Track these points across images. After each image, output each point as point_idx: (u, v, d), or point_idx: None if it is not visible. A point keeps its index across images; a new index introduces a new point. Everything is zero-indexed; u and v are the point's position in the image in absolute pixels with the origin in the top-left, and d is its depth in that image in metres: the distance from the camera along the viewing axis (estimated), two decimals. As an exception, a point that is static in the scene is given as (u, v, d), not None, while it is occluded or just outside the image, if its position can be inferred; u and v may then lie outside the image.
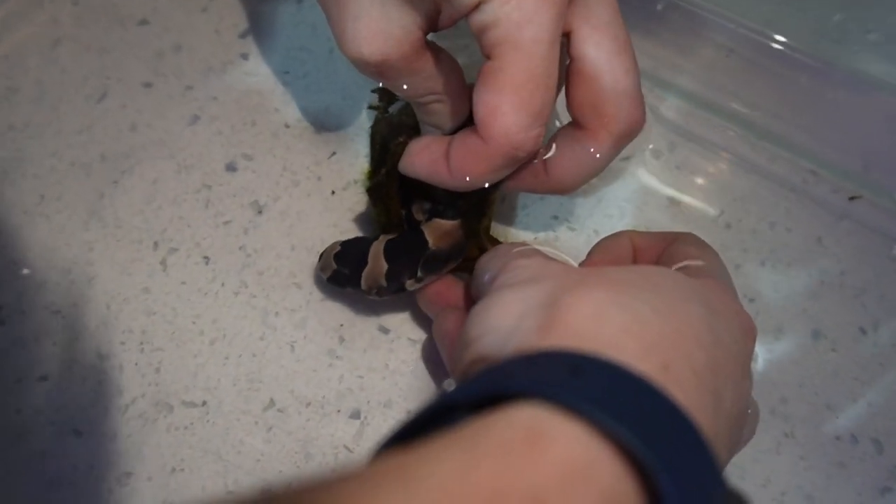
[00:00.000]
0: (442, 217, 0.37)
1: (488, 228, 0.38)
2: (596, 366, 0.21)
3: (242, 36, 0.47)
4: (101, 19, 0.47)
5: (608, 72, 0.32)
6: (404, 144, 0.36)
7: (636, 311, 0.24)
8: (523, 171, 0.35)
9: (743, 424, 0.28)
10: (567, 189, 0.35)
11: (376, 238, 0.37)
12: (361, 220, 0.42)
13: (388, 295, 0.36)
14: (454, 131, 0.35)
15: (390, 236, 0.37)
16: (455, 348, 0.29)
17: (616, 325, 0.24)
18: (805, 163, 0.43)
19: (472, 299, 0.35)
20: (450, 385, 0.29)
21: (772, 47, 0.43)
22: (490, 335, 0.26)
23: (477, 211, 0.37)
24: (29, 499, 0.36)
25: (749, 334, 0.29)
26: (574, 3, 0.31)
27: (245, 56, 0.46)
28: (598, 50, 0.31)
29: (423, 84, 0.34)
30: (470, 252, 0.37)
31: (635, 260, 0.34)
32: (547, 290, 0.26)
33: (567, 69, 0.33)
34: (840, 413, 0.38)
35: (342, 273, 0.36)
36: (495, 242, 0.38)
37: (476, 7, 0.29)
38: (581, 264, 0.35)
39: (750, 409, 0.29)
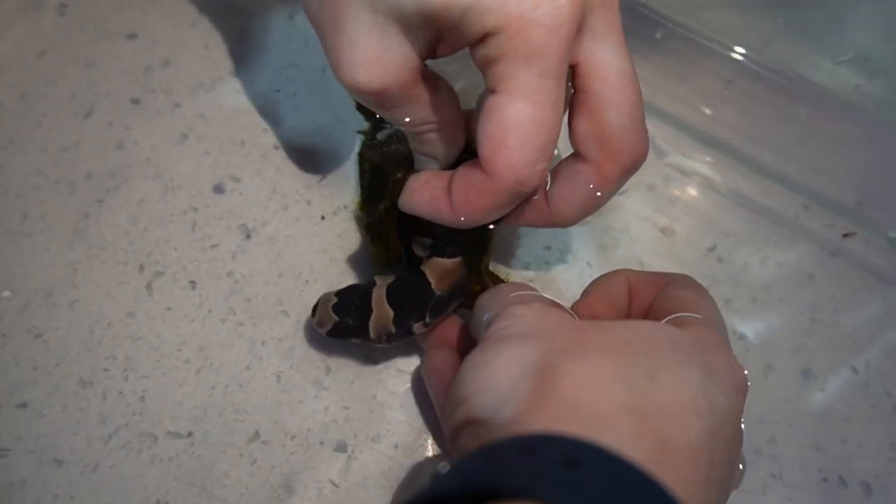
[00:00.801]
0: (442, 254, 0.36)
1: (488, 265, 0.38)
2: (592, 457, 0.21)
3: (232, 52, 0.46)
4: (88, 32, 0.46)
5: (614, 105, 0.31)
6: (403, 180, 0.35)
7: (633, 384, 0.24)
8: (524, 205, 0.34)
9: (731, 481, 0.28)
10: (568, 223, 0.35)
11: (371, 283, 0.36)
12: (350, 248, 0.41)
13: (396, 341, 0.36)
14: (450, 164, 0.35)
15: (389, 279, 0.36)
16: (446, 402, 0.29)
17: (612, 401, 0.23)
18: (799, 197, 0.42)
19: (468, 338, 0.35)
20: (443, 468, 0.29)
21: (770, 79, 0.42)
22: (483, 396, 0.26)
23: (477, 248, 0.37)
24: (8, 529, 0.36)
25: (741, 388, 0.28)
26: (581, 36, 0.30)
27: (234, 73, 0.45)
28: (604, 84, 0.31)
29: (419, 113, 0.33)
30: (472, 288, 0.37)
31: (631, 300, 0.34)
32: (542, 351, 0.26)
33: (571, 101, 0.32)
34: (829, 454, 0.38)
35: (346, 325, 0.35)
36: (496, 279, 0.38)
37: (482, 40, 0.28)
38: (575, 304, 0.34)
39: (741, 466, 0.29)
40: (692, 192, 0.43)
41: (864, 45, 0.43)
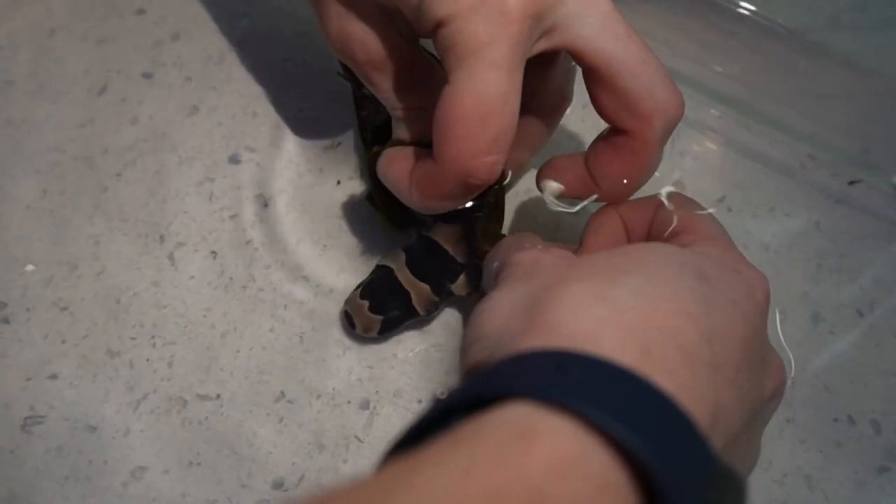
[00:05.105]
0: (445, 220, 0.37)
1: (499, 230, 0.38)
2: (577, 361, 0.22)
3: (240, 23, 0.46)
4: (97, 9, 0.46)
5: (624, 71, 0.30)
6: (378, 154, 0.35)
7: (614, 299, 0.25)
8: (574, 184, 0.34)
9: (761, 377, 0.28)
10: (622, 196, 0.34)
11: (385, 269, 0.38)
12: (366, 212, 0.42)
13: (443, 305, 0.38)
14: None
15: (400, 257, 0.37)
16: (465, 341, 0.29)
17: (592, 318, 0.24)
18: (804, 147, 0.43)
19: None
20: (442, 394, 0.30)
21: (771, 31, 0.43)
22: (482, 341, 0.27)
23: (481, 214, 0.37)
24: (46, 494, 0.36)
25: (757, 288, 0.28)
26: (562, 23, 0.30)
27: (243, 44, 0.46)
28: (603, 55, 0.30)
29: (389, 90, 0.34)
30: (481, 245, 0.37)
31: (628, 233, 0.34)
32: (531, 289, 0.27)
33: (586, 83, 0.32)
34: (838, 395, 0.39)
35: (393, 317, 0.37)
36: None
37: (436, 29, 0.29)
38: (577, 250, 0.34)
39: (774, 363, 0.29)
40: (699, 145, 0.44)
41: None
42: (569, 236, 0.42)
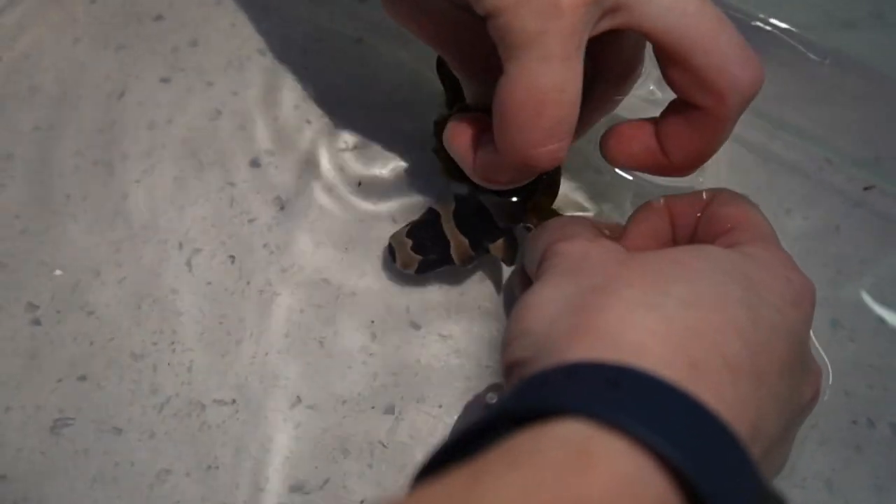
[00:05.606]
0: (499, 195, 0.38)
1: (549, 206, 0.39)
2: (629, 376, 0.22)
3: (259, 29, 0.47)
4: (118, 16, 0.47)
5: (696, 49, 0.29)
6: (444, 122, 0.36)
7: (663, 310, 0.24)
8: (641, 155, 0.33)
9: (801, 384, 0.28)
10: (689, 170, 0.34)
11: (434, 214, 0.39)
12: (383, 214, 0.42)
13: (478, 259, 0.39)
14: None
15: (450, 207, 0.39)
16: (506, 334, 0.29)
17: (641, 329, 0.24)
18: (820, 151, 0.43)
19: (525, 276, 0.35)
20: (491, 399, 0.30)
21: (786, 39, 0.43)
22: (526, 337, 0.27)
23: (540, 192, 0.38)
24: (74, 495, 0.37)
25: (804, 298, 0.28)
26: (626, 1, 0.28)
27: (262, 50, 0.46)
28: (673, 34, 0.29)
29: (452, 56, 0.35)
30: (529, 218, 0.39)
31: (673, 226, 0.34)
32: (579, 289, 0.27)
33: (657, 58, 0.31)
34: (857, 399, 0.39)
35: (431, 260, 0.38)
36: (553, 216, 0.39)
37: (487, 19, 0.28)
38: (620, 241, 0.33)
39: (813, 370, 0.29)
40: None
41: (876, 2, 0.43)
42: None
